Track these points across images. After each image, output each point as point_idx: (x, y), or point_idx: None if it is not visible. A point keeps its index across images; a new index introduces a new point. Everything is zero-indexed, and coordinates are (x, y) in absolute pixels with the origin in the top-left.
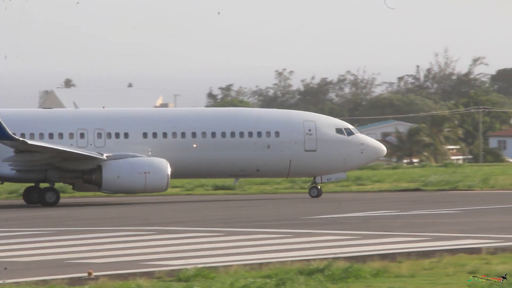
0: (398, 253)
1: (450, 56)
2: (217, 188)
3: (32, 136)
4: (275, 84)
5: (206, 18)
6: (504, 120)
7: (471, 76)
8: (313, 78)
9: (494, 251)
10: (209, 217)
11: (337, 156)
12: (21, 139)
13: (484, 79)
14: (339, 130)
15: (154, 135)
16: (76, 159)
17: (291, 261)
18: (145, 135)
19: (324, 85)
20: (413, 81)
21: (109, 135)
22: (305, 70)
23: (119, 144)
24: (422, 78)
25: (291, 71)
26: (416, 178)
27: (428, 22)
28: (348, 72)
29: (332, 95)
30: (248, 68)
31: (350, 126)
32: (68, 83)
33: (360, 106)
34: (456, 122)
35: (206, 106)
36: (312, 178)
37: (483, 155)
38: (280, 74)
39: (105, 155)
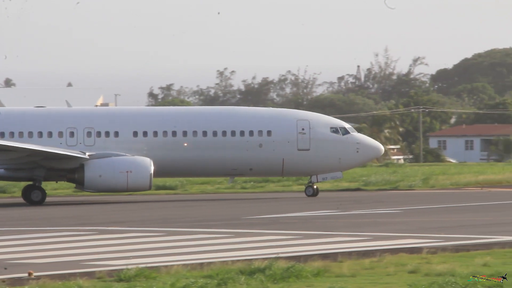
0: (339, 252)
1: (390, 56)
2: (158, 188)
3: (21, 135)
4: (216, 84)
5: (147, 15)
6: (444, 120)
7: (411, 76)
8: (254, 78)
9: (435, 250)
10: (150, 217)
11: (332, 155)
12: None
13: (424, 79)
14: (334, 129)
15: (145, 133)
16: (57, 158)
17: (232, 261)
18: (135, 134)
19: (265, 84)
20: (353, 81)
21: (98, 134)
22: (246, 70)
23: (109, 143)
24: (362, 78)
25: (233, 71)
26: (357, 177)
27: (368, 22)
28: (289, 72)
29: (273, 94)
30: (189, 68)
31: (346, 125)
32: (8, 83)
33: (301, 106)
34: (397, 122)
35: (147, 106)
36: (309, 177)
37: (424, 155)
38: (221, 73)
39: (87, 154)
